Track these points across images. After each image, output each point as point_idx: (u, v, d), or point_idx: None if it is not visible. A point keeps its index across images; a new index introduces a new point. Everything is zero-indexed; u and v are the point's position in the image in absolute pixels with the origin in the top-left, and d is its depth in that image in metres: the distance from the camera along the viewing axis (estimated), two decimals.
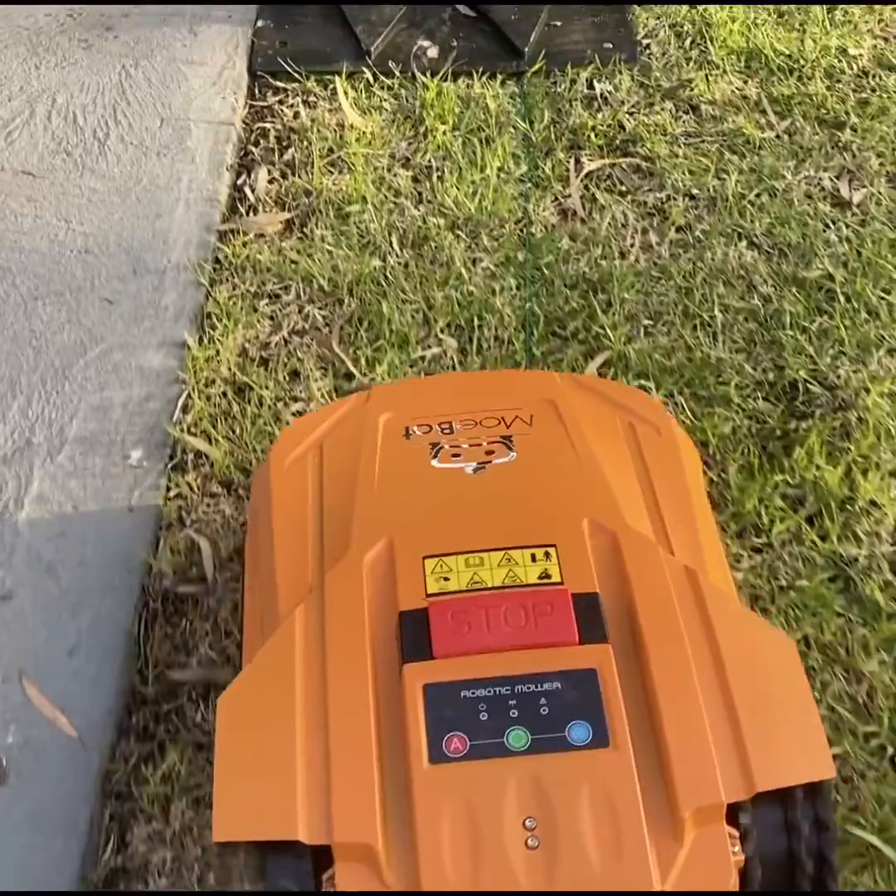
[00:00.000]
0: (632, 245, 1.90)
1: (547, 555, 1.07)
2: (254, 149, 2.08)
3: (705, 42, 2.26)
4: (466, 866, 0.91)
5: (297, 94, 2.18)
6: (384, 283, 1.82)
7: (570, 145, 2.08)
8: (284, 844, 0.94)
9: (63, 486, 1.54)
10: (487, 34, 2.28)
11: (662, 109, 2.13)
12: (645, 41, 2.28)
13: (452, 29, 2.30)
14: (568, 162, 2.04)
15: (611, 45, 2.26)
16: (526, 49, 2.23)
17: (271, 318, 1.80)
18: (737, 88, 2.17)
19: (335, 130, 2.09)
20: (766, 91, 2.17)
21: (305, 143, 2.07)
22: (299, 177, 2.02)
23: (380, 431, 1.22)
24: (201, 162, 2.00)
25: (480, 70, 2.20)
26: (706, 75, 2.19)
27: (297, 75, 2.19)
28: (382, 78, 2.19)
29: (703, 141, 2.07)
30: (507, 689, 0.98)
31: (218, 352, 1.73)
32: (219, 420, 1.65)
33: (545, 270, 1.85)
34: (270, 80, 2.20)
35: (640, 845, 0.91)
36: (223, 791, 0.97)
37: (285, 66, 2.20)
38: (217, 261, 1.87)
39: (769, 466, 1.57)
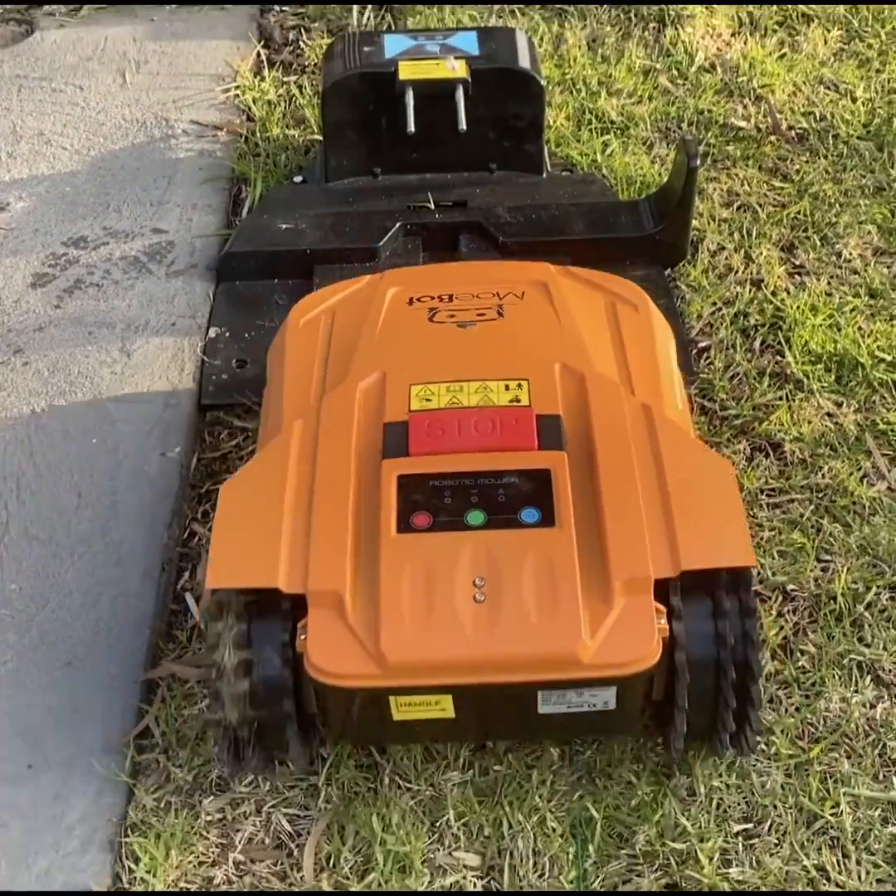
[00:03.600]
0: None
1: (519, 385, 1.26)
2: (200, 529, 1.57)
3: (780, 344, 1.77)
4: (421, 613, 1.08)
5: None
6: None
7: None
8: (267, 609, 1.13)
9: None
10: None
11: (735, 452, 1.63)
12: (701, 341, 1.80)
13: None
14: None
15: None
16: None
17: (220, 823, 1.29)
18: (829, 415, 1.67)
19: None
20: (868, 420, 1.67)
21: None
22: None
23: (387, 300, 1.43)
24: (130, 564, 1.49)
25: None
26: (787, 398, 1.69)
27: (256, 408, 1.70)
28: None
29: (791, 500, 1.57)
30: (470, 481, 1.17)
31: None
32: None
33: None
34: (223, 417, 1.72)
35: (574, 605, 1.09)
36: (218, 549, 1.14)
37: (243, 398, 1.71)
38: (145, 735, 1.36)
39: None
